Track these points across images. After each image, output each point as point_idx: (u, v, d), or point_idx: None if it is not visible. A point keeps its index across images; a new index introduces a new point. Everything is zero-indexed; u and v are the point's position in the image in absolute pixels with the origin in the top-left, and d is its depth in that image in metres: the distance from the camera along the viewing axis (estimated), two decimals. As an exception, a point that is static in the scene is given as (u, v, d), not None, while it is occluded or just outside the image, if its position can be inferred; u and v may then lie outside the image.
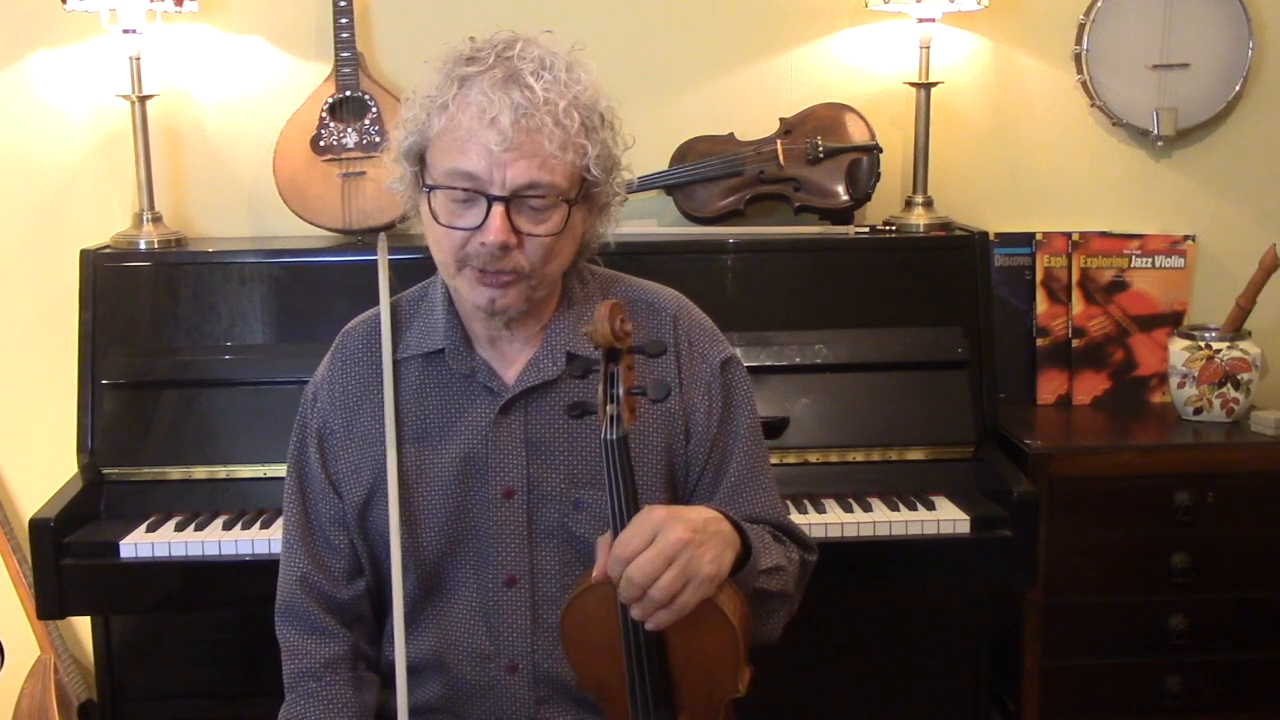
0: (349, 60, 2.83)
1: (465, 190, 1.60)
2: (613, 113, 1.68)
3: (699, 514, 1.54)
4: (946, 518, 2.48)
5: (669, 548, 1.47)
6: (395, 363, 1.77)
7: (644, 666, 1.57)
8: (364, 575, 1.81)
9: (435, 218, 1.64)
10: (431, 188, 1.64)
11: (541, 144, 1.58)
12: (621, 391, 1.51)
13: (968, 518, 2.47)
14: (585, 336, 1.55)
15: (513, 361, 1.74)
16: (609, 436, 1.52)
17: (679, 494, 1.77)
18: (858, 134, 2.90)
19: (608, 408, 1.51)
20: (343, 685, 1.75)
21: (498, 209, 1.59)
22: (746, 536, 1.62)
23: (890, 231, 2.89)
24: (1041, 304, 3.02)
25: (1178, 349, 2.87)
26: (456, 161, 1.60)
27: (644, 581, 1.46)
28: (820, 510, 2.50)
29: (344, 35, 2.82)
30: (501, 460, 1.72)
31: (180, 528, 2.48)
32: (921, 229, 2.88)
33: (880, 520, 2.47)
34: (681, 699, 1.60)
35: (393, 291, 1.85)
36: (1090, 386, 3.03)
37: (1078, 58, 3.05)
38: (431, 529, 1.74)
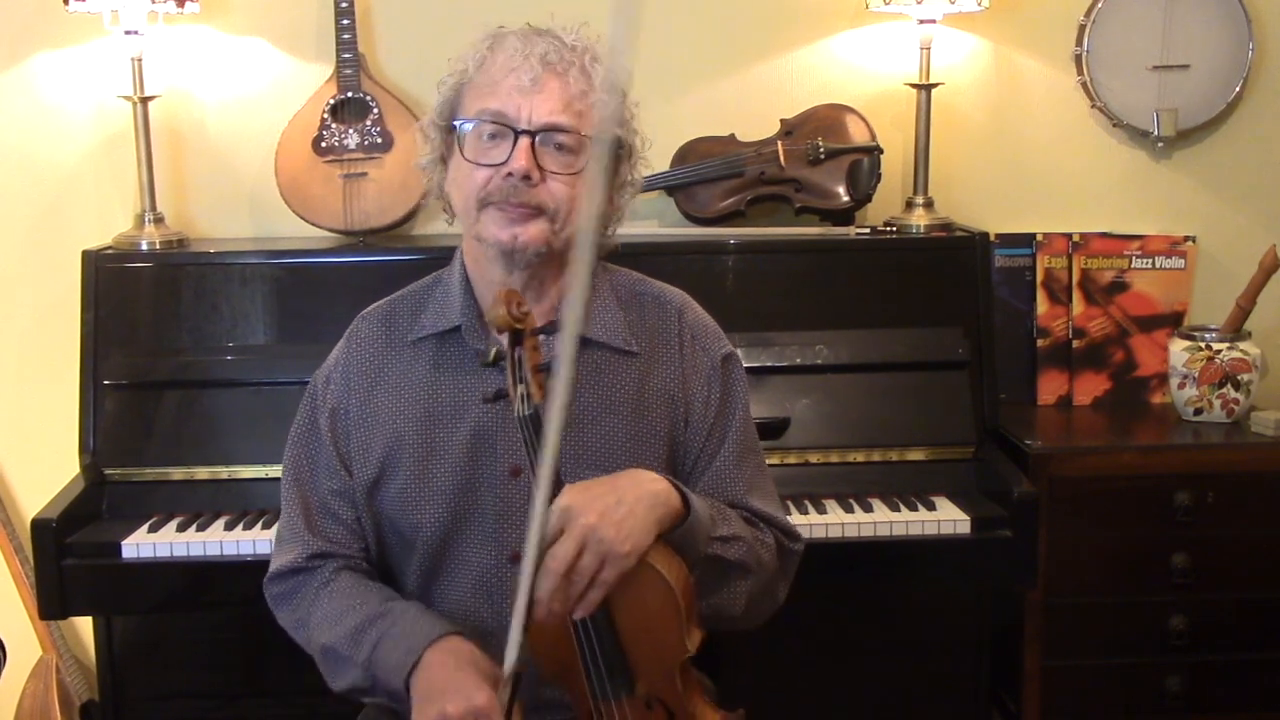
0: (350, 61, 2.83)
1: (494, 125, 1.70)
2: (632, 102, 1.77)
3: (611, 485, 1.58)
4: (947, 518, 2.48)
5: (579, 534, 1.51)
6: (411, 343, 1.83)
7: (592, 639, 1.60)
8: (370, 552, 1.84)
9: (463, 155, 1.73)
10: (461, 123, 1.73)
11: (569, 83, 1.71)
12: (528, 371, 1.58)
13: (968, 518, 2.48)
14: (489, 324, 1.63)
15: None
16: (523, 413, 1.57)
17: (678, 476, 1.79)
18: (858, 135, 2.90)
19: (518, 388, 1.58)
20: (349, 574, 1.79)
21: (524, 141, 1.69)
22: (688, 500, 1.65)
23: (891, 232, 2.89)
24: (1042, 305, 3.02)
25: (1178, 349, 2.87)
26: (487, 99, 1.71)
27: (560, 569, 1.50)
28: (821, 511, 2.50)
29: (345, 36, 2.83)
30: (510, 438, 1.74)
31: (182, 528, 2.48)
32: (922, 230, 2.89)
33: (881, 520, 2.47)
34: (635, 665, 1.62)
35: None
36: (1090, 387, 3.03)
37: (1078, 59, 3.06)
38: (439, 504, 1.77)
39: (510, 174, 1.68)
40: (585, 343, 1.75)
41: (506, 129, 1.69)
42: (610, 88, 1.69)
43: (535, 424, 1.57)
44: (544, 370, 1.59)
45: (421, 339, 1.82)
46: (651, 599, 1.59)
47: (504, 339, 1.60)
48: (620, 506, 1.55)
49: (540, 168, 1.69)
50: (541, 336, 1.65)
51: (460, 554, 1.78)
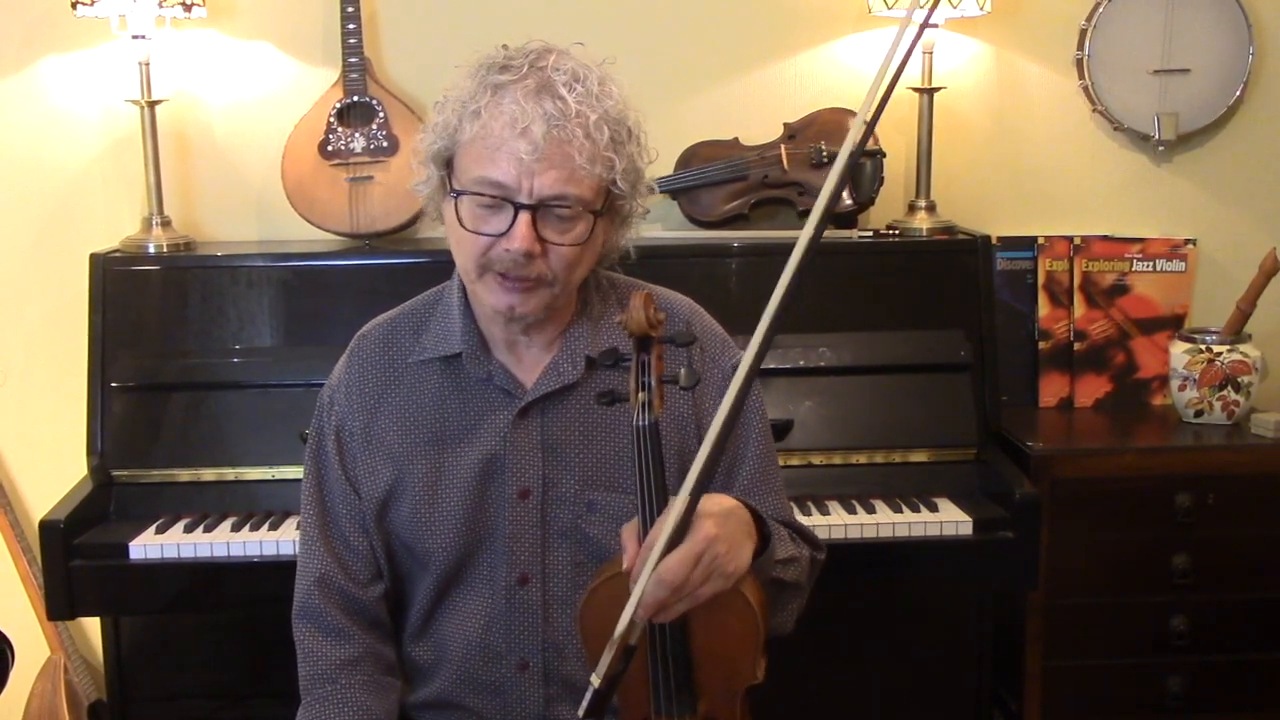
0: (357, 65, 2.85)
1: (493, 197, 1.62)
2: (640, 127, 1.69)
3: (720, 504, 1.54)
4: (949, 519, 2.49)
5: (698, 544, 1.46)
6: (413, 364, 1.78)
7: (668, 654, 1.57)
8: (383, 580, 1.82)
9: (460, 222, 1.65)
10: (459, 193, 1.65)
11: (571, 155, 1.60)
12: (653, 379, 1.53)
13: (970, 519, 2.49)
14: (619, 326, 1.56)
15: (530, 366, 1.76)
16: (641, 423, 1.53)
17: (708, 481, 1.77)
18: (861, 138, 2.91)
19: (639, 395, 1.53)
20: (359, 688, 1.75)
21: (524, 217, 1.60)
22: (765, 525, 1.63)
23: (893, 235, 2.91)
24: (1043, 307, 3.04)
25: (1178, 352, 2.89)
26: (486, 169, 1.61)
27: (675, 581, 1.45)
28: (824, 512, 2.52)
29: (352, 40, 2.84)
30: (518, 461, 1.74)
31: (189, 529, 2.50)
32: (924, 233, 2.90)
33: (883, 522, 2.49)
34: (702, 686, 1.61)
35: (406, 298, 1.87)
36: (1092, 389, 3.05)
37: (1079, 63, 3.07)
38: (449, 529, 1.75)
39: (510, 249, 1.61)
40: (592, 361, 1.73)
41: (505, 201, 1.61)
42: (617, 146, 1.64)
43: (653, 434, 1.52)
44: (670, 381, 1.54)
45: (424, 361, 1.78)
46: (734, 625, 1.58)
47: (630, 341, 1.55)
48: (728, 524, 1.51)
49: (541, 239, 1.62)
50: (668, 345, 1.57)
51: (470, 576, 1.77)
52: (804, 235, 1.38)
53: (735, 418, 1.40)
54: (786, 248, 2.90)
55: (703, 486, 1.43)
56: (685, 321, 1.81)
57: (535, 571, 1.74)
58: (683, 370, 1.54)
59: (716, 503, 1.54)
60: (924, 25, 1.29)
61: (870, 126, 1.33)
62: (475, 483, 1.74)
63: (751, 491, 1.78)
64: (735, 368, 1.78)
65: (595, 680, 1.45)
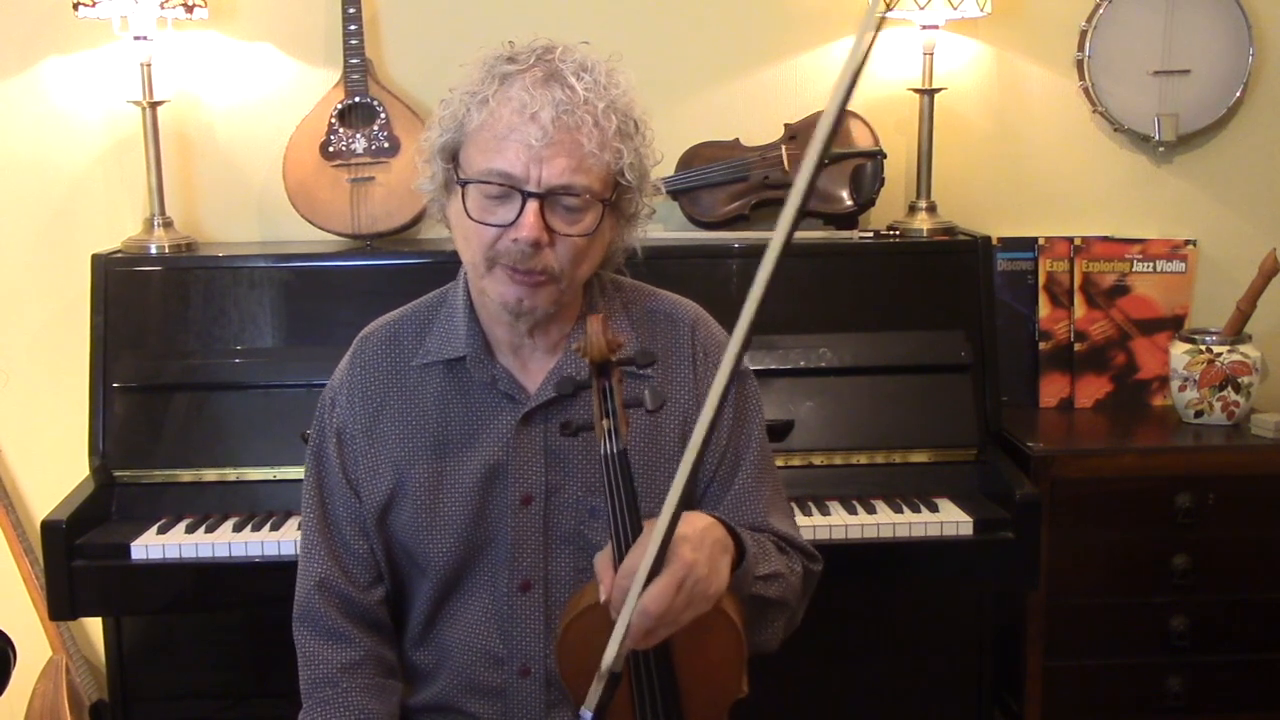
0: (358, 66, 2.85)
1: (500, 186, 1.61)
2: (646, 124, 1.69)
3: (694, 525, 1.53)
4: (949, 519, 2.50)
5: (679, 571, 1.45)
6: (417, 368, 1.78)
7: (653, 682, 1.56)
8: (384, 583, 1.81)
9: (467, 213, 1.64)
10: (465, 182, 1.64)
11: (580, 142, 1.60)
12: (617, 405, 1.50)
13: (970, 520, 2.49)
14: (576, 353, 1.54)
15: (534, 370, 1.75)
16: (609, 450, 1.51)
17: (689, 501, 1.75)
18: (862, 139, 2.92)
19: (604, 422, 1.50)
20: (360, 692, 1.75)
21: (532, 205, 1.60)
22: (741, 540, 1.62)
23: (894, 236, 2.91)
24: (1044, 308, 3.04)
25: (1179, 352, 2.89)
26: (493, 159, 1.60)
27: (659, 611, 1.43)
28: (824, 512, 2.52)
29: (353, 41, 2.85)
30: (521, 467, 1.73)
31: (191, 529, 2.50)
32: (925, 234, 2.91)
33: (884, 522, 2.49)
34: (690, 710, 1.60)
35: (408, 298, 1.87)
36: (1092, 389, 3.05)
37: (1080, 64, 3.07)
38: (451, 535, 1.74)
39: (517, 239, 1.61)
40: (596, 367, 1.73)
41: (513, 190, 1.60)
42: (625, 137, 1.63)
43: (623, 462, 1.51)
44: (635, 406, 1.51)
45: (428, 365, 1.77)
46: (716, 645, 1.56)
47: (587, 368, 1.52)
48: (703, 544, 1.50)
49: (549, 229, 1.61)
50: (626, 368, 1.54)
51: (471, 582, 1.76)
52: (778, 233, 1.39)
53: (710, 436, 1.37)
54: (787, 249, 2.89)
55: (681, 509, 1.40)
56: (690, 327, 1.80)
57: (538, 578, 1.74)
58: (647, 393, 1.51)
59: (691, 524, 1.52)
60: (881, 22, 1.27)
61: (835, 129, 1.30)
62: (477, 489, 1.74)
63: (743, 499, 1.77)
64: (739, 375, 1.79)
65: (587, 714, 1.45)
